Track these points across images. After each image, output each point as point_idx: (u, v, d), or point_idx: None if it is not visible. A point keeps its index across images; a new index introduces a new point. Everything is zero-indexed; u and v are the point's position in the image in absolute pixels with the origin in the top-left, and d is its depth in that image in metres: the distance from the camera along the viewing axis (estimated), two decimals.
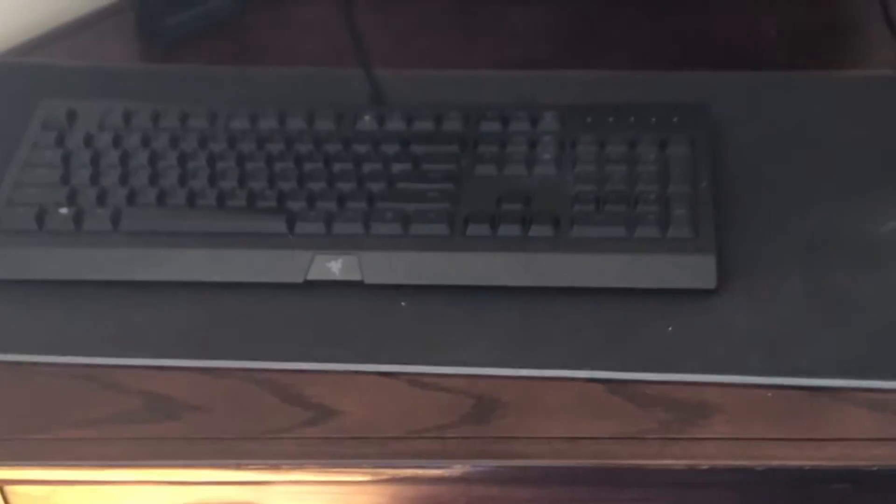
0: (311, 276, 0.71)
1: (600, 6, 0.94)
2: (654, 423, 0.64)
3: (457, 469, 0.63)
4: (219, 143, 0.77)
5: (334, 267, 0.71)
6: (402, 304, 0.71)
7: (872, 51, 0.89)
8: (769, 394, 0.65)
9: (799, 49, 0.88)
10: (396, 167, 0.75)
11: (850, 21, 0.93)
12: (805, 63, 0.85)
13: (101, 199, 0.74)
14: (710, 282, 0.69)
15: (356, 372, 0.67)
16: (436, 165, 0.76)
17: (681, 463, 0.62)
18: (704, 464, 0.61)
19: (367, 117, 0.79)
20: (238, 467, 0.64)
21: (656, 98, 0.81)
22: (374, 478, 0.64)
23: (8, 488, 0.67)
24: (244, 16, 0.95)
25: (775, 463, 0.61)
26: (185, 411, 0.66)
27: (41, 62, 0.89)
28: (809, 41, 0.89)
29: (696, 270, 0.70)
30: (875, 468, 0.61)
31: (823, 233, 0.73)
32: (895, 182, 0.75)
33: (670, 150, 0.75)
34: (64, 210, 0.73)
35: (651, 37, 0.91)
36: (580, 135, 0.77)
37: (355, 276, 0.71)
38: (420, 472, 0.64)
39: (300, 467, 0.64)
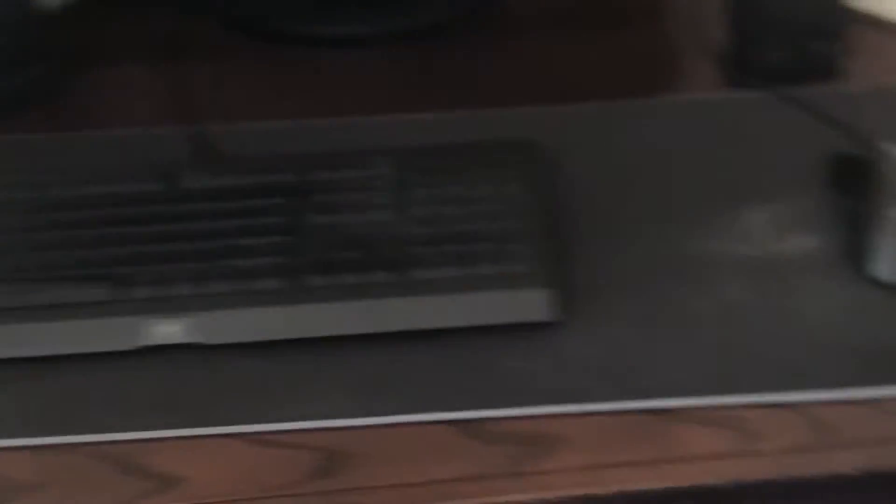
0: (149, 342, 0.69)
1: (427, 49, 0.94)
2: (502, 459, 0.63)
3: None
4: (43, 212, 0.75)
5: (172, 330, 0.69)
6: (245, 362, 0.69)
7: (695, 75, 0.91)
8: (615, 420, 0.65)
9: (622, 78, 0.90)
10: (229, 223, 0.74)
11: (669, 47, 0.95)
12: (629, 91, 0.87)
13: None
14: (551, 314, 0.70)
15: (199, 436, 0.65)
16: (269, 218, 0.74)
17: (529, 497, 0.61)
18: (551, 495, 0.61)
19: (195, 174, 0.77)
20: None
21: (487, 136, 0.81)
22: None
23: None
24: (67, 81, 0.92)
25: (622, 487, 0.61)
26: (22, 492, 0.63)
27: None
28: (632, 69, 0.91)
29: (536, 304, 0.70)
30: (718, 484, 0.61)
31: (660, 256, 0.73)
32: (724, 202, 0.76)
33: (504, 186, 0.75)
34: None
35: (478, 75, 0.91)
36: (414, 177, 0.77)
37: (195, 338, 0.69)
38: None
39: None
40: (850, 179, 0.75)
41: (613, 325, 0.70)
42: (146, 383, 0.68)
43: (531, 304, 0.69)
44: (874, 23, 0.92)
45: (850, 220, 0.74)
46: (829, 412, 0.65)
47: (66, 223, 0.74)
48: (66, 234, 0.73)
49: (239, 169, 0.77)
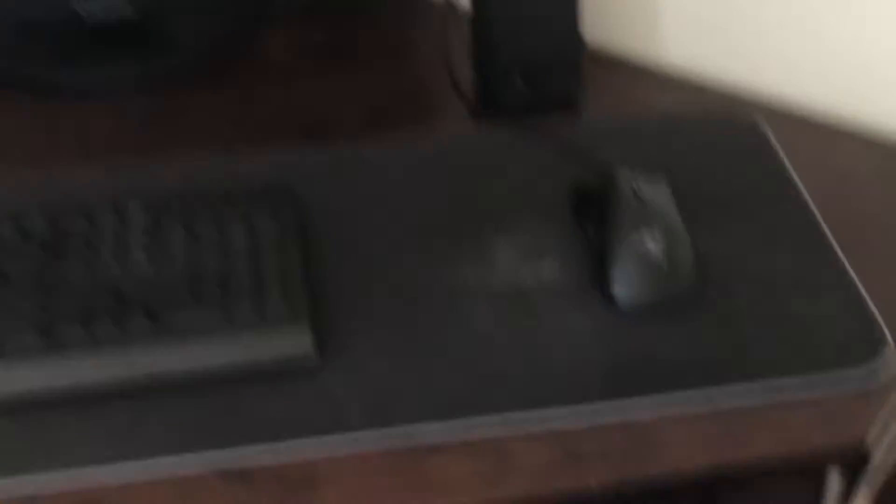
0: None
1: (180, 92, 0.95)
2: (266, 501, 0.64)
3: None
4: None
5: None
6: (5, 421, 0.68)
7: (443, 114, 0.95)
8: (375, 452, 0.67)
9: (371, 116, 0.92)
10: None
11: (416, 85, 0.98)
12: (379, 129, 0.89)
13: None
14: (308, 353, 0.71)
15: None
16: (20, 272, 0.73)
17: None
18: None
19: None
20: None
21: (241, 179, 0.82)
22: None
23: None
24: None
25: None
26: None
27: None
28: (380, 107, 0.93)
29: (293, 343, 0.71)
30: None
31: (409, 290, 0.76)
32: (471, 235, 0.80)
33: (258, 229, 0.76)
34: None
35: (231, 119, 0.92)
36: (168, 223, 0.77)
37: None
38: None
39: None
40: (589, 207, 0.80)
41: (372, 360, 0.72)
42: None
43: (293, 343, 0.71)
44: (609, 57, 0.98)
45: (591, 246, 0.78)
46: (575, 430, 0.68)
47: None
48: None
49: None
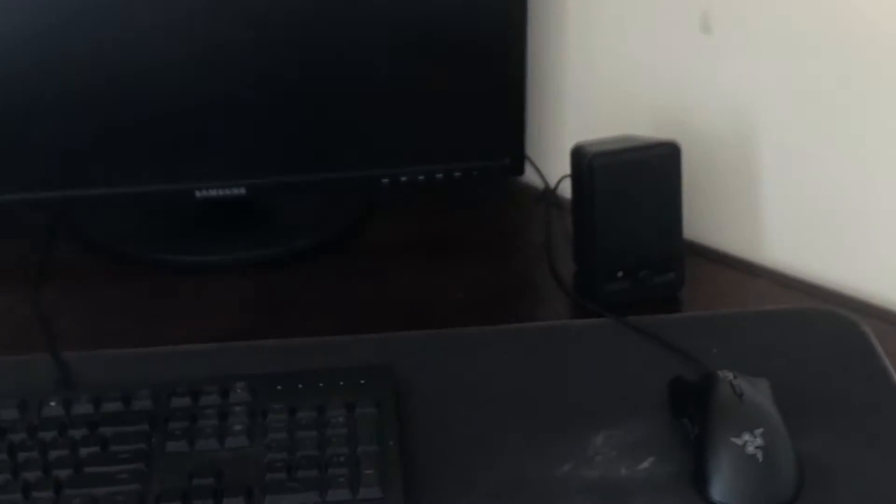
0: None
1: (284, 276, 0.98)
2: None
3: None
4: None
5: None
6: None
7: (543, 304, 0.96)
8: None
9: (477, 306, 0.94)
10: (84, 451, 0.75)
11: (521, 278, 1.00)
12: (480, 319, 0.91)
13: None
14: None
15: None
16: (125, 446, 0.75)
17: None
18: None
19: (52, 402, 0.78)
20: None
21: (346, 362, 0.84)
22: None
23: None
24: None
25: None
26: None
27: None
28: (486, 297, 0.95)
29: None
30: None
31: (507, 481, 0.76)
32: (568, 427, 0.80)
33: (358, 411, 0.78)
34: None
35: (340, 303, 0.95)
36: (271, 403, 0.78)
37: None
38: None
39: None
40: (689, 404, 0.79)
41: None
42: None
43: None
44: (709, 254, 0.99)
45: (688, 443, 0.77)
46: None
47: None
48: None
49: (97, 397, 0.78)
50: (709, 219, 0.98)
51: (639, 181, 0.90)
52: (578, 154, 0.91)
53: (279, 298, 0.96)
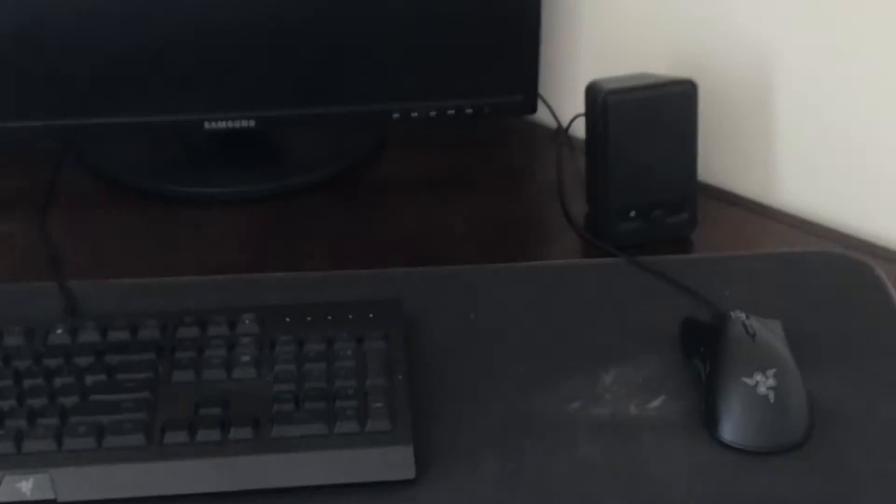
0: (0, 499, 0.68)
1: (292, 209, 0.97)
2: None
3: None
4: None
5: (24, 487, 0.69)
6: None
7: (554, 243, 0.95)
8: None
9: (486, 243, 0.93)
10: (90, 379, 0.74)
11: (532, 217, 0.99)
12: (490, 256, 0.90)
13: None
14: (409, 472, 0.71)
15: None
16: (131, 375, 0.75)
17: None
18: None
19: (59, 330, 0.77)
20: None
21: (353, 296, 0.83)
22: None
23: None
24: None
25: None
26: None
27: None
28: (495, 235, 0.94)
29: (395, 462, 0.71)
30: None
31: (515, 415, 0.75)
32: (577, 365, 0.79)
33: (366, 345, 0.77)
34: None
35: (348, 238, 0.94)
36: (279, 335, 0.78)
37: (48, 495, 0.69)
38: None
39: None
40: (701, 344, 0.79)
41: (471, 483, 0.71)
42: None
43: (394, 462, 0.70)
44: (722, 196, 0.98)
45: (699, 383, 0.77)
46: None
47: None
48: None
49: (103, 325, 0.78)
50: (722, 160, 0.97)
51: (654, 119, 0.89)
52: (593, 91, 0.89)
53: (286, 232, 0.95)
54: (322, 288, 0.85)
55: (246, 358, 0.76)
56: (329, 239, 0.94)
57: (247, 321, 0.79)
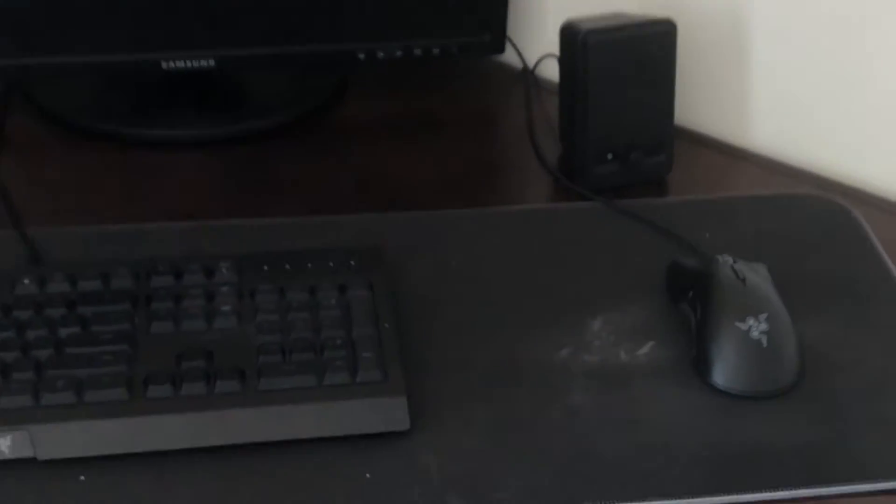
0: None
1: (256, 153, 0.93)
2: None
3: None
4: None
5: (3, 445, 0.65)
6: (82, 478, 0.66)
7: (528, 186, 0.93)
8: None
9: (458, 187, 0.91)
10: (64, 331, 0.71)
11: (503, 159, 0.97)
12: (466, 200, 0.88)
13: None
14: (403, 423, 0.69)
15: None
16: (107, 326, 0.71)
17: None
18: None
19: (26, 280, 0.74)
20: None
21: (331, 242, 0.80)
22: None
23: None
24: None
25: None
26: None
27: None
28: (467, 179, 0.92)
29: (388, 413, 0.69)
30: None
31: (504, 363, 0.74)
32: (564, 312, 0.78)
33: (350, 293, 0.74)
34: None
35: (314, 182, 0.91)
36: (258, 284, 0.75)
37: (26, 453, 0.66)
38: None
39: None
40: (687, 288, 0.77)
41: (466, 434, 0.69)
42: None
43: (387, 413, 0.68)
44: (696, 138, 0.97)
45: (687, 327, 0.76)
46: None
47: None
48: None
49: (73, 275, 0.74)
50: (696, 102, 0.96)
51: (634, 60, 0.87)
52: (570, 31, 0.87)
53: (251, 177, 0.92)
54: (296, 235, 0.82)
55: (226, 308, 0.73)
56: (296, 183, 0.91)
57: (224, 269, 0.76)
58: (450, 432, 0.69)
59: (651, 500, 0.66)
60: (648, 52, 0.87)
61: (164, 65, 0.93)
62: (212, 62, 0.93)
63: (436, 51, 0.96)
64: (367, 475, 0.67)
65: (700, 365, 0.73)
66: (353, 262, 0.77)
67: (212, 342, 0.71)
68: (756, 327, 0.73)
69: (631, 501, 0.66)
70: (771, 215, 0.87)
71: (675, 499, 0.66)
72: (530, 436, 0.69)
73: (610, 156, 0.89)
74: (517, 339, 0.76)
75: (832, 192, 0.90)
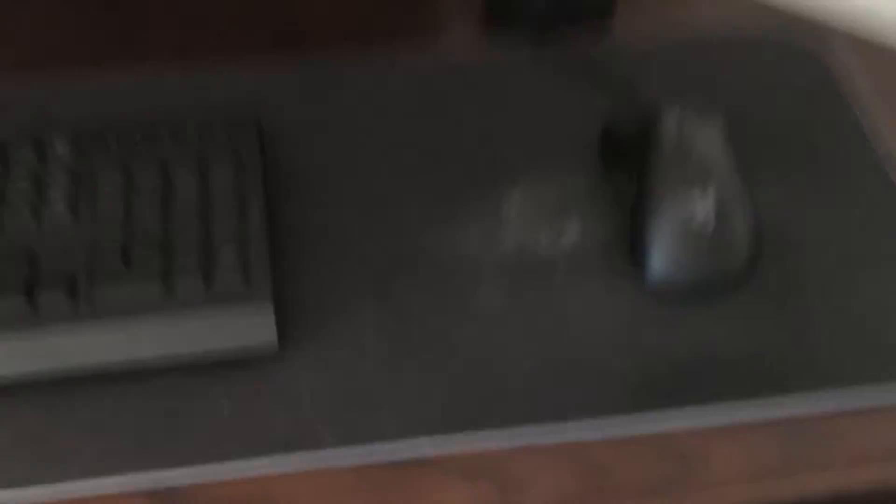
0: None
1: None
2: None
3: None
4: None
5: None
6: None
7: (443, 28, 0.79)
8: (350, 472, 0.53)
9: (357, 28, 0.76)
10: None
11: None
12: (370, 41, 0.73)
13: None
14: (270, 339, 0.57)
15: None
16: None
17: None
18: None
19: None
20: None
21: (193, 103, 0.67)
22: None
23: None
24: None
25: None
26: None
27: None
28: (368, 18, 0.77)
29: (251, 327, 0.57)
30: None
31: (401, 257, 0.62)
32: (474, 188, 0.65)
33: (213, 175, 0.61)
34: None
35: (181, 16, 0.76)
36: (100, 164, 0.62)
37: None
38: None
39: None
40: (625, 153, 0.65)
41: (347, 350, 0.58)
42: None
43: (250, 327, 0.57)
44: None
45: (624, 204, 0.63)
46: (602, 450, 0.55)
47: None
48: None
49: None
50: None
51: None
52: None
53: (116, 18, 0.76)
54: (150, 92, 0.68)
55: (57, 196, 0.60)
56: (153, 17, 0.75)
57: (59, 146, 0.62)
58: (328, 348, 0.58)
59: (570, 422, 0.55)
60: None
61: None
62: None
63: None
64: (225, 410, 0.55)
65: (635, 253, 0.61)
66: (219, 133, 0.63)
67: (38, 242, 0.58)
68: (702, 203, 0.60)
69: (544, 422, 0.55)
70: (728, 59, 0.73)
71: (599, 417, 0.56)
72: (430, 349, 0.58)
73: None
74: (417, 225, 0.63)
75: (802, 29, 0.76)
